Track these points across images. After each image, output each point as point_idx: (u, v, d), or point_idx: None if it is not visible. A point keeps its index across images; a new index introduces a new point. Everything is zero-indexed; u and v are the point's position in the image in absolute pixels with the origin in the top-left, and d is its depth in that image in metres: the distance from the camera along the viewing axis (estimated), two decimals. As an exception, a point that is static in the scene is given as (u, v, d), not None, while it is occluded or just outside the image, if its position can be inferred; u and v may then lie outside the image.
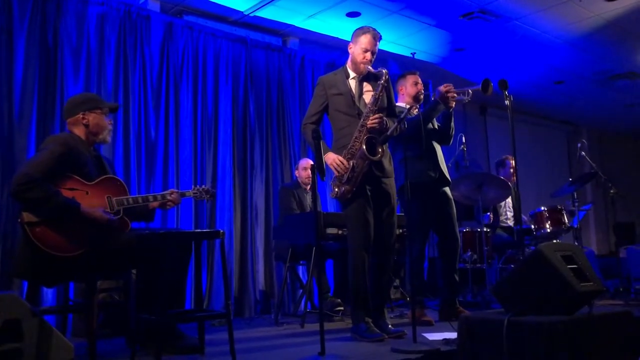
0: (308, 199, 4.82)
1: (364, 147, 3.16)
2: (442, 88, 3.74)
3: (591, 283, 2.34)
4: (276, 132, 5.51)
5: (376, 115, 3.22)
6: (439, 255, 4.08)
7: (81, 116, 2.88)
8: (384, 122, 3.22)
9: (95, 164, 2.88)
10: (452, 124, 3.99)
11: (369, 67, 3.33)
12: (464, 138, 5.19)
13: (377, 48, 3.38)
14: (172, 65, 4.86)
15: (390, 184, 3.37)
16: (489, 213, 5.25)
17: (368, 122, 3.21)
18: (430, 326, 3.62)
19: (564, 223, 5.05)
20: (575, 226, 5.34)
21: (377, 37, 3.36)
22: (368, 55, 3.33)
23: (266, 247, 5.23)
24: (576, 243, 5.24)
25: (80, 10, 4.40)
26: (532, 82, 7.60)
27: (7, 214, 3.80)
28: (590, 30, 5.94)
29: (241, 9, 5.26)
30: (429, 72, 6.64)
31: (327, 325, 3.63)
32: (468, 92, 3.83)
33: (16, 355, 1.86)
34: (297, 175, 4.98)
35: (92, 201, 2.71)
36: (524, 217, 5.36)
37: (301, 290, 5.07)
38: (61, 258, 2.57)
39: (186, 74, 4.94)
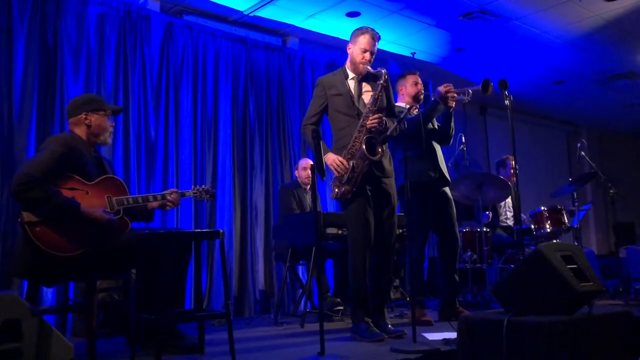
0: (308, 198, 4.82)
1: (364, 147, 3.16)
2: (442, 88, 3.74)
3: (591, 283, 2.34)
4: (276, 132, 5.51)
5: (375, 115, 3.22)
6: (439, 255, 4.08)
7: (84, 116, 2.88)
8: (384, 122, 3.22)
9: (95, 165, 2.88)
10: (452, 124, 3.99)
11: (368, 67, 3.32)
12: (463, 138, 5.20)
13: (376, 48, 3.38)
14: (172, 65, 4.86)
15: (391, 184, 3.37)
16: (487, 212, 5.25)
17: (367, 122, 3.21)
18: (430, 326, 3.62)
19: (564, 223, 5.05)
20: (575, 226, 5.34)
21: (376, 38, 3.36)
22: (367, 55, 3.33)
23: (266, 247, 5.23)
24: (576, 243, 5.24)
25: (80, 10, 4.40)
26: (532, 82, 7.60)
27: (7, 213, 3.80)
28: (590, 30, 5.94)
29: (241, 9, 5.26)
30: (429, 72, 6.64)
31: (327, 325, 3.63)
32: (468, 92, 3.83)
33: (16, 355, 1.86)
34: (297, 175, 4.98)
35: (92, 201, 2.71)
36: (524, 217, 5.36)
37: (301, 290, 5.07)
38: (61, 258, 2.57)
39: (186, 74, 4.94)
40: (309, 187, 4.85)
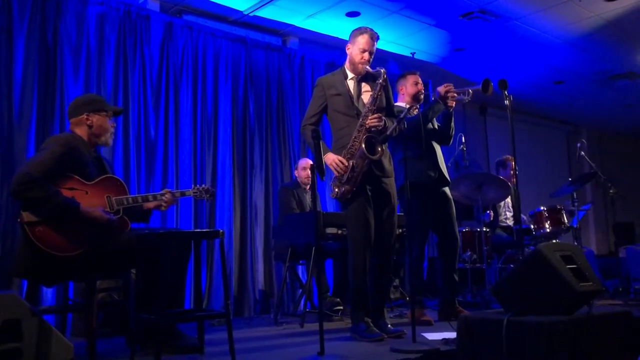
0: (308, 198, 4.82)
1: (363, 146, 3.16)
2: (441, 88, 3.75)
3: (590, 283, 2.34)
4: (276, 131, 5.51)
5: (375, 115, 3.22)
6: (439, 255, 4.08)
7: (85, 117, 2.88)
8: (383, 121, 3.22)
9: (96, 165, 2.88)
10: (452, 124, 3.99)
11: (367, 67, 3.33)
12: (463, 138, 5.20)
13: (375, 48, 3.38)
14: (172, 65, 4.86)
15: (391, 183, 3.37)
16: (489, 211, 5.25)
17: (367, 122, 3.21)
18: (429, 326, 3.62)
19: (564, 223, 5.06)
20: (575, 226, 5.34)
21: (374, 37, 3.37)
22: (366, 55, 3.33)
23: (266, 247, 5.23)
24: (576, 243, 5.24)
25: (80, 10, 4.40)
26: (532, 82, 7.60)
27: (7, 213, 3.80)
28: (590, 30, 5.94)
29: (241, 9, 5.26)
30: (429, 72, 6.64)
31: (327, 325, 3.63)
32: (468, 92, 3.83)
33: (16, 355, 1.86)
34: (297, 175, 4.98)
35: (92, 201, 2.71)
36: (524, 217, 5.36)
37: (300, 290, 5.07)
38: (61, 258, 2.57)
39: (186, 73, 4.94)
40: (308, 187, 4.85)
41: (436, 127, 4.08)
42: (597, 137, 10.27)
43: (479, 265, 4.95)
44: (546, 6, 5.33)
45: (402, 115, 3.24)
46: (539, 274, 2.32)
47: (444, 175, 3.95)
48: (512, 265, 4.79)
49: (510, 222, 5.39)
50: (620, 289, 5.59)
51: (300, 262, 4.80)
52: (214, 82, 5.14)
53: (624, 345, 2.34)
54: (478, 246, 4.93)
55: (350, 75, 3.41)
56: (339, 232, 4.17)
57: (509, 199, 5.36)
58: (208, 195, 3.20)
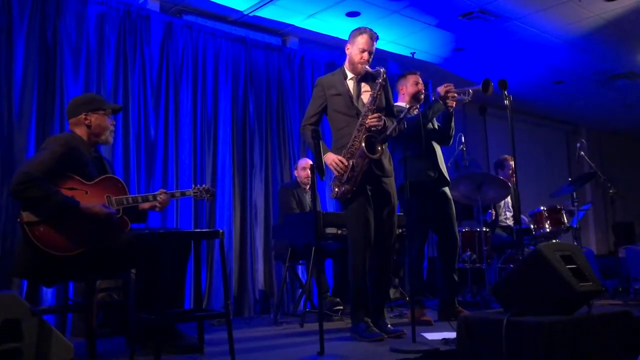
0: (307, 198, 4.82)
1: (364, 145, 3.16)
2: (441, 88, 3.75)
3: (590, 283, 2.34)
4: (276, 131, 5.51)
5: (375, 114, 3.22)
6: (438, 255, 4.08)
7: (83, 117, 2.87)
8: (383, 120, 3.22)
9: (96, 165, 2.88)
10: (453, 124, 3.99)
11: (367, 67, 3.33)
12: (463, 138, 5.20)
13: (374, 48, 3.38)
14: (172, 65, 4.86)
15: (390, 183, 3.37)
16: (491, 210, 5.26)
17: (367, 121, 3.21)
18: (429, 326, 3.62)
19: (563, 223, 5.06)
20: (575, 226, 5.35)
21: (374, 37, 3.37)
22: (365, 55, 3.33)
23: (265, 247, 5.23)
24: (575, 243, 5.24)
25: (80, 10, 4.40)
26: (532, 82, 7.60)
27: (7, 213, 3.80)
28: (590, 30, 5.94)
29: (241, 9, 5.26)
30: (429, 72, 6.64)
31: (327, 325, 3.63)
32: (468, 92, 3.83)
33: (16, 355, 1.86)
34: (296, 175, 4.98)
35: (92, 201, 2.71)
36: (524, 217, 5.36)
37: (300, 290, 5.07)
38: (61, 257, 2.57)
39: (186, 73, 4.94)
40: (308, 187, 4.85)
41: (436, 127, 4.08)
42: (596, 137, 10.27)
43: (478, 265, 4.95)
44: (546, 6, 5.33)
45: (402, 115, 3.24)
46: (538, 274, 2.32)
47: (443, 175, 3.95)
48: (512, 265, 4.79)
49: (510, 222, 5.39)
50: (620, 289, 5.59)
51: (300, 262, 4.80)
52: (214, 82, 5.14)
53: (623, 345, 2.34)
54: (478, 246, 4.94)
55: (349, 75, 3.41)
56: (339, 232, 4.16)
57: (509, 199, 5.36)
58: (208, 195, 3.20)
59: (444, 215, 3.96)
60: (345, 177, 3.21)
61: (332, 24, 5.62)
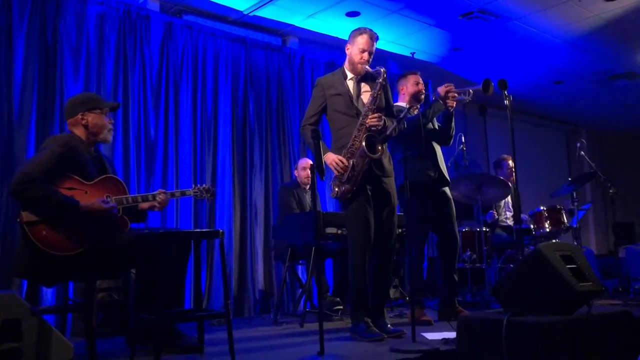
0: (307, 198, 4.82)
1: (364, 144, 3.16)
2: (442, 88, 3.75)
3: (590, 283, 2.34)
4: (276, 131, 5.51)
5: (375, 114, 3.22)
6: (438, 255, 4.08)
7: (80, 117, 2.87)
8: (383, 120, 3.22)
9: (95, 165, 2.88)
10: (453, 124, 3.99)
11: (367, 67, 3.33)
12: (463, 138, 5.20)
13: (374, 48, 3.38)
14: (172, 65, 4.86)
15: (390, 183, 3.37)
16: (492, 211, 5.26)
17: (367, 121, 3.21)
18: (429, 326, 3.62)
19: (563, 223, 5.06)
20: (575, 226, 5.35)
21: (374, 38, 3.37)
22: (365, 55, 3.33)
23: (265, 247, 5.23)
24: (575, 243, 5.24)
25: (80, 10, 4.40)
26: (532, 82, 7.60)
27: (7, 213, 3.80)
28: (590, 30, 5.94)
29: (241, 9, 5.26)
30: (429, 72, 6.64)
31: (327, 325, 3.63)
32: (469, 92, 3.83)
33: (16, 355, 1.86)
34: (297, 175, 4.98)
35: (91, 200, 2.71)
36: (524, 217, 5.36)
37: (300, 290, 5.07)
38: (61, 257, 2.57)
39: (186, 73, 4.94)
40: (308, 186, 4.85)
41: (436, 127, 4.08)
42: (596, 137, 10.27)
43: (478, 265, 4.95)
44: (546, 6, 5.33)
45: (402, 115, 3.24)
46: (538, 273, 2.32)
47: (443, 175, 3.95)
48: (512, 265, 4.79)
49: (510, 222, 5.39)
50: (620, 289, 5.59)
51: (300, 262, 4.80)
52: (213, 82, 5.14)
53: (623, 345, 2.34)
54: (478, 246, 4.93)
55: (349, 75, 3.41)
56: (339, 232, 4.16)
57: (509, 199, 5.36)
58: (209, 195, 3.19)
59: (444, 215, 3.96)
60: (345, 176, 3.21)
61: (332, 24, 5.62)
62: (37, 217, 2.55)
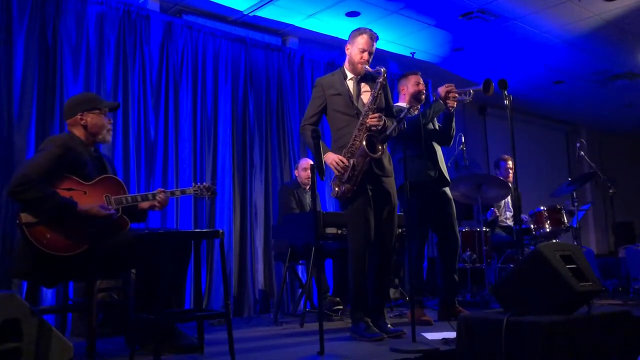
0: (308, 198, 4.82)
1: (364, 143, 3.16)
2: (442, 88, 3.75)
3: (590, 283, 2.35)
4: (276, 131, 5.51)
5: (375, 114, 3.23)
6: (439, 255, 4.07)
7: (79, 117, 2.87)
8: (383, 120, 3.22)
9: (95, 165, 2.88)
10: (453, 124, 3.99)
11: (367, 67, 3.33)
12: (463, 138, 5.20)
13: (374, 48, 3.38)
14: (172, 65, 4.86)
15: (391, 183, 3.37)
16: (493, 208, 5.26)
17: (367, 120, 3.21)
18: (429, 326, 3.62)
19: (563, 223, 5.06)
20: (575, 226, 5.35)
21: (374, 38, 3.37)
22: (365, 55, 3.33)
23: (265, 247, 5.23)
24: (575, 243, 5.24)
25: (80, 10, 4.40)
26: (532, 82, 7.60)
27: (7, 213, 3.80)
28: (589, 30, 5.94)
29: (240, 9, 5.26)
30: (429, 72, 6.64)
31: (327, 325, 3.63)
32: (469, 92, 3.83)
33: (16, 355, 1.86)
34: (297, 175, 4.98)
35: (91, 201, 2.71)
36: (524, 217, 5.37)
37: (300, 290, 5.07)
38: (60, 258, 2.57)
39: (186, 73, 4.94)
40: (308, 187, 4.85)
41: (437, 127, 4.08)
42: (596, 137, 10.27)
43: (478, 265, 4.95)
44: (546, 6, 5.33)
45: (402, 115, 3.24)
46: (538, 273, 2.32)
47: (444, 175, 3.95)
48: (511, 265, 4.79)
49: (510, 222, 5.39)
50: (620, 289, 5.59)
51: (300, 261, 4.80)
52: (213, 82, 5.14)
53: (623, 345, 2.34)
54: (478, 246, 4.94)
55: (349, 75, 3.41)
56: (339, 232, 4.16)
57: (509, 199, 5.37)
58: (209, 193, 3.17)
59: (444, 215, 3.96)
60: (345, 176, 3.20)
61: (331, 24, 5.62)
62: (35, 218, 2.55)
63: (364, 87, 3.39)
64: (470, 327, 2.34)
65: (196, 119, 4.95)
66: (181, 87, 4.89)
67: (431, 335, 3.11)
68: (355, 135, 3.23)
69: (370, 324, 3.22)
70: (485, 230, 5.01)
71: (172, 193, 3.09)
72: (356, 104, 3.33)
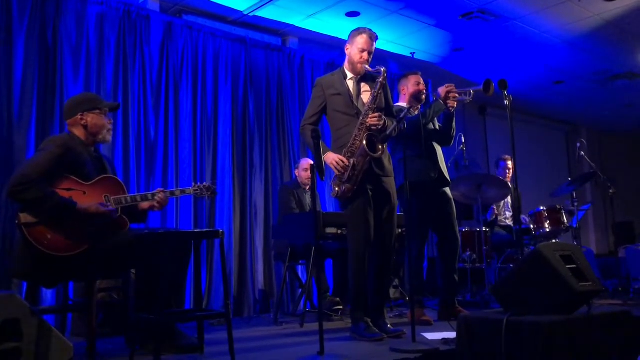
0: (308, 198, 4.82)
1: (365, 143, 3.16)
2: (443, 88, 3.75)
3: (590, 283, 2.35)
4: (276, 131, 5.51)
5: (375, 114, 3.23)
6: (439, 255, 4.07)
7: (79, 117, 2.87)
8: (383, 120, 3.23)
9: (95, 165, 2.88)
10: (454, 124, 3.99)
11: (367, 67, 3.33)
12: (463, 138, 5.20)
13: (374, 48, 3.38)
14: (172, 65, 4.86)
15: (391, 183, 3.37)
16: (493, 206, 5.26)
17: (367, 120, 3.21)
18: (429, 326, 3.62)
19: (563, 223, 5.06)
20: (575, 226, 5.35)
21: (373, 37, 3.37)
22: (365, 55, 3.33)
23: (265, 247, 5.23)
24: (575, 243, 5.24)
25: (80, 10, 4.40)
26: (532, 82, 7.60)
27: (7, 213, 3.80)
28: (589, 31, 5.94)
29: (240, 9, 5.26)
30: (429, 72, 6.64)
31: (326, 325, 3.63)
32: (470, 93, 3.83)
33: (16, 355, 1.86)
34: (297, 175, 4.98)
35: (90, 201, 2.71)
36: (524, 218, 5.37)
37: (300, 290, 5.07)
38: (60, 258, 2.57)
39: (186, 73, 4.94)
40: (308, 187, 4.85)
41: (437, 127, 4.08)
42: (596, 137, 10.27)
43: (478, 265, 4.95)
44: (546, 6, 5.33)
45: (402, 115, 3.24)
46: (538, 273, 2.32)
47: (444, 175, 3.95)
48: (511, 265, 4.79)
49: (510, 222, 5.39)
50: (620, 289, 5.59)
51: (300, 262, 4.80)
52: (213, 82, 5.14)
53: (623, 345, 2.34)
54: (478, 246, 4.94)
55: (349, 75, 3.41)
56: (339, 232, 4.16)
57: (509, 199, 5.37)
58: (209, 193, 3.16)
59: (444, 215, 3.96)
60: (345, 176, 3.20)
61: (331, 24, 5.62)
62: (35, 218, 2.55)
63: (364, 87, 3.39)
64: (470, 327, 2.34)
65: (196, 119, 4.95)
66: (181, 87, 4.89)
67: (431, 335, 3.11)
68: (356, 135, 3.23)
69: (370, 324, 3.22)
70: (485, 230, 5.01)
71: (172, 193, 3.08)
72: (356, 104, 3.33)
